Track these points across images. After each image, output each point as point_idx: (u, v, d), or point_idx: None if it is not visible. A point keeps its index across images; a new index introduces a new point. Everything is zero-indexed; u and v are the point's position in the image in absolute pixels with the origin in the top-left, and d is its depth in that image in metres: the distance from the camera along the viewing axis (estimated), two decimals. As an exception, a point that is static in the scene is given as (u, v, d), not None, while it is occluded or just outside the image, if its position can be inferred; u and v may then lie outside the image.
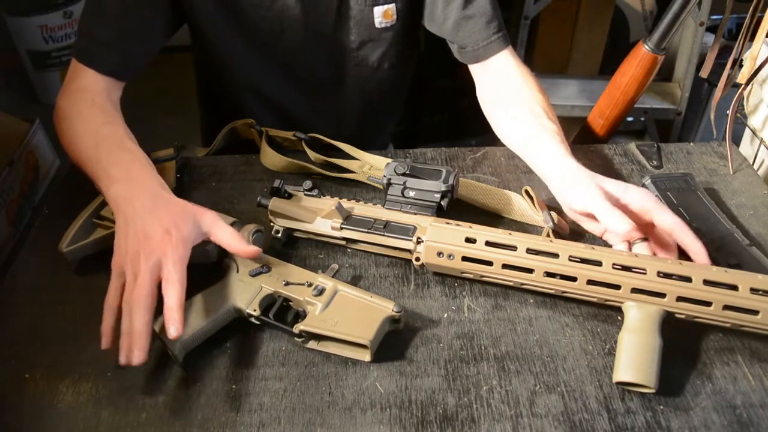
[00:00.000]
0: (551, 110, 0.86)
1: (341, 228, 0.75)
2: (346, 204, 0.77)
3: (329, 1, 0.92)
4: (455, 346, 0.68)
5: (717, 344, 0.67)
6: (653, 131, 1.87)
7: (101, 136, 0.79)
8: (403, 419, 0.61)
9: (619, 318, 0.70)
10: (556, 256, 0.66)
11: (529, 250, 0.67)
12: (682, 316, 0.64)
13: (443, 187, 0.75)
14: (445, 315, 0.71)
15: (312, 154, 0.90)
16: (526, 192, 0.80)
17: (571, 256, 0.66)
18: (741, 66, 0.90)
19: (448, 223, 0.72)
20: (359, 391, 0.64)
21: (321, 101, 1.05)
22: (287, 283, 0.70)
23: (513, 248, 0.67)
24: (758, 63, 0.88)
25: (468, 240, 0.69)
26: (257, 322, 0.68)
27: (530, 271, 0.67)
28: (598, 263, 0.65)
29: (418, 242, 0.72)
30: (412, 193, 0.75)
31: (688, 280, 0.63)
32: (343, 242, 0.77)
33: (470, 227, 0.71)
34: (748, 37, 0.90)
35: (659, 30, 0.96)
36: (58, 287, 0.75)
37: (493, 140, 0.95)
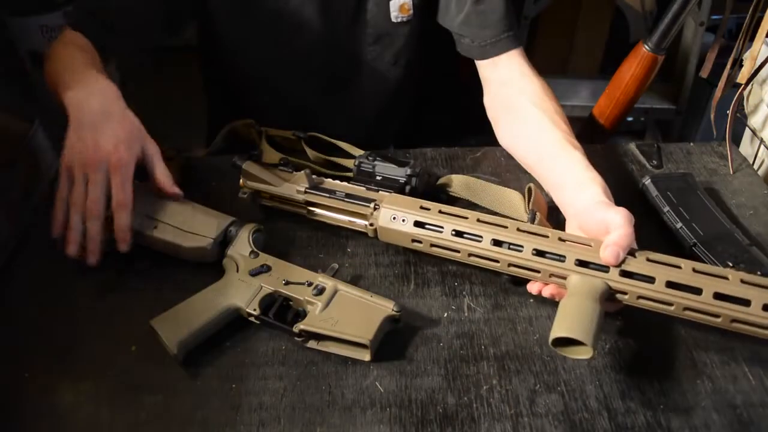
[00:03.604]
0: (567, 122, 0.84)
1: (305, 191, 0.78)
2: (317, 179, 0.80)
3: None
4: (455, 346, 0.68)
5: (717, 344, 0.67)
6: (653, 131, 1.87)
7: (68, 55, 0.82)
8: (403, 418, 0.61)
9: (619, 318, 0.70)
10: (504, 227, 0.68)
11: (479, 221, 0.69)
12: (626, 296, 0.63)
13: (408, 171, 0.80)
14: (445, 314, 0.71)
15: (311, 153, 0.91)
16: (528, 190, 0.80)
17: (519, 228, 0.67)
18: (741, 66, 0.90)
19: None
20: (359, 390, 0.64)
21: (335, 97, 1.05)
22: (287, 283, 0.70)
23: (464, 218, 0.70)
24: (758, 63, 0.88)
25: (422, 208, 0.72)
26: (257, 322, 0.68)
27: (479, 239, 0.68)
28: (545, 236, 0.66)
29: (375, 208, 0.74)
30: (378, 178, 0.81)
31: (633, 255, 0.63)
32: (305, 210, 0.80)
33: (428, 201, 0.73)
34: (748, 37, 0.90)
35: (659, 30, 0.96)
36: (58, 287, 0.75)
37: (493, 140, 0.95)
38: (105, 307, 0.73)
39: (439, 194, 0.86)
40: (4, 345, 0.69)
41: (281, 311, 0.69)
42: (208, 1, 0.92)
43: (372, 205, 0.75)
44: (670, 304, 0.61)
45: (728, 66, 0.92)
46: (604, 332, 0.69)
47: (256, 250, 0.73)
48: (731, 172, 0.90)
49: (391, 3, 0.94)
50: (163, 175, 0.75)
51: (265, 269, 0.71)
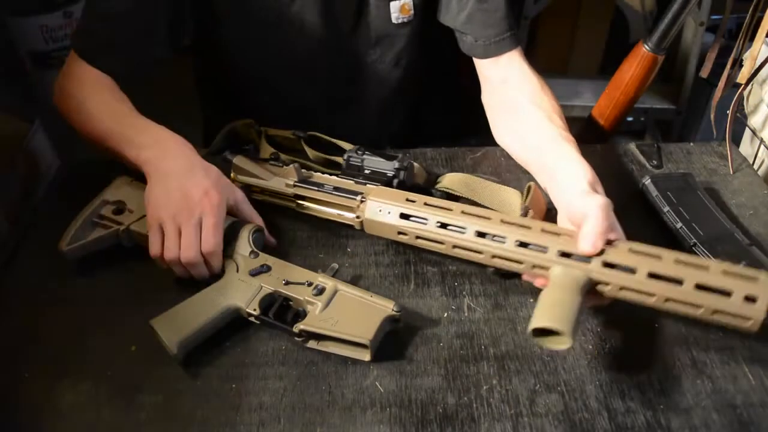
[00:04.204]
0: (564, 119, 0.84)
1: (294, 185, 0.79)
2: (306, 172, 0.82)
3: None
4: (455, 346, 0.68)
5: (717, 344, 0.67)
6: (653, 131, 1.87)
7: (117, 110, 0.82)
8: (403, 418, 0.61)
9: (619, 318, 0.70)
10: (488, 219, 0.68)
11: (463, 213, 0.70)
12: (608, 287, 0.63)
13: (397, 165, 0.81)
14: (445, 314, 0.71)
15: (310, 152, 0.91)
16: (528, 188, 0.80)
17: (502, 220, 0.68)
18: (741, 66, 0.90)
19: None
20: (359, 390, 0.64)
21: (335, 99, 1.05)
22: (287, 283, 0.70)
23: (449, 210, 0.70)
24: (758, 63, 0.88)
25: (408, 200, 0.73)
26: (257, 322, 0.68)
27: (463, 230, 0.69)
28: (528, 227, 0.67)
29: (362, 201, 0.76)
30: (367, 171, 0.82)
31: (615, 246, 0.63)
32: (294, 204, 0.81)
33: (414, 193, 0.75)
34: (748, 37, 0.90)
35: (659, 30, 0.96)
36: (57, 287, 0.75)
37: (493, 140, 0.95)
38: (105, 308, 0.73)
39: (436, 192, 0.86)
40: (4, 345, 0.69)
41: (281, 311, 0.69)
42: (211, 4, 0.91)
43: (359, 198, 0.76)
44: (652, 295, 0.61)
45: (728, 66, 0.92)
46: (604, 333, 0.69)
47: (256, 250, 0.73)
48: (731, 172, 0.90)
49: (391, 4, 0.94)
50: (259, 218, 0.77)
51: (265, 269, 0.71)
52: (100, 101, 0.83)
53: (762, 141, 0.96)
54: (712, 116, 0.95)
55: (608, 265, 0.62)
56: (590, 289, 0.63)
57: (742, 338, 0.68)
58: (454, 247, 0.70)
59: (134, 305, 0.72)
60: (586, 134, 1.08)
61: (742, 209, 0.84)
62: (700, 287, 0.59)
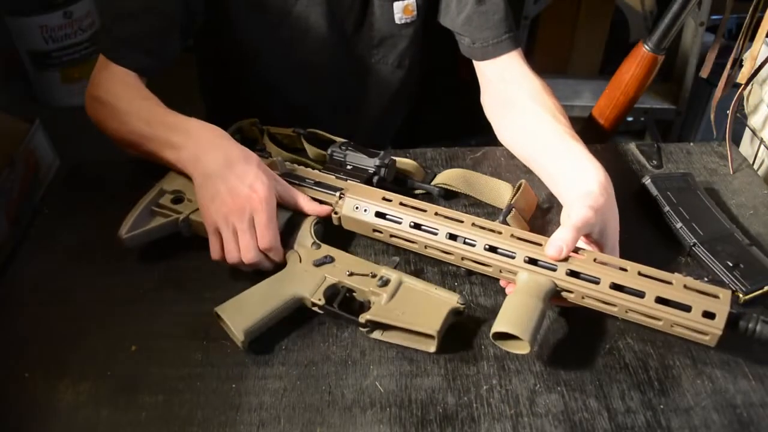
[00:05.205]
0: (567, 118, 0.84)
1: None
2: (289, 165, 0.82)
3: None
4: (455, 346, 0.68)
5: (717, 344, 0.67)
6: (653, 131, 1.87)
7: (146, 111, 0.80)
8: (402, 418, 0.61)
9: (619, 319, 0.70)
10: (460, 222, 0.70)
11: (437, 214, 0.71)
12: (572, 294, 0.65)
13: (378, 162, 0.81)
14: (445, 314, 0.71)
15: (310, 150, 0.91)
16: (519, 185, 0.80)
17: (474, 224, 0.69)
18: (741, 66, 0.90)
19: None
20: (359, 390, 0.64)
21: (338, 100, 1.05)
22: (351, 274, 0.70)
23: (423, 211, 0.72)
24: (758, 63, 0.88)
25: (384, 199, 0.74)
26: (321, 312, 0.68)
27: (435, 232, 0.70)
28: (498, 233, 0.68)
29: (340, 197, 0.76)
30: (349, 167, 0.83)
31: (581, 255, 0.65)
32: None
33: (390, 192, 0.75)
34: (748, 37, 0.90)
35: (659, 30, 0.96)
36: (57, 287, 0.75)
37: (493, 140, 0.95)
38: (105, 307, 0.73)
39: (435, 188, 0.86)
40: (4, 345, 0.69)
41: (344, 303, 0.69)
42: (221, 6, 0.91)
43: (338, 194, 0.77)
44: (614, 305, 0.63)
45: (728, 66, 0.92)
46: (604, 333, 0.69)
47: (317, 241, 0.73)
48: (731, 172, 0.90)
49: (395, 4, 0.94)
50: (305, 200, 0.76)
51: (329, 260, 0.71)
52: (129, 102, 0.82)
53: (762, 141, 0.96)
54: (712, 116, 0.95)
55: (573, 273, 0.64)
56: (555, 295, 0.65)
57: (743, 338, 0.67)
58: (426, 247, 0.72)
59: (134, 305, 0.72)
60: (586, 134, 1.07)
61: (742, 209, 0.84)
62: (660, 300, 0.61)
